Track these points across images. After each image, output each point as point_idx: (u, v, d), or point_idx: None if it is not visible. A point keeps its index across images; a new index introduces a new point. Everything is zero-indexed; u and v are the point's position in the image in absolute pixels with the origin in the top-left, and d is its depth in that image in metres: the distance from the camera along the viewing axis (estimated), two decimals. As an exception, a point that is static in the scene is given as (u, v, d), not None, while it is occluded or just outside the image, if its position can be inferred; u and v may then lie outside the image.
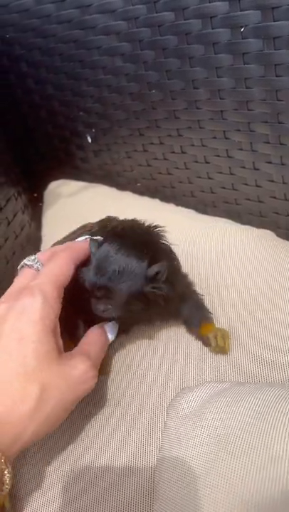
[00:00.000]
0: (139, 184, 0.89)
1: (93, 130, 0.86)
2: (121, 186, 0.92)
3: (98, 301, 0.51)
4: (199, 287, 0.62)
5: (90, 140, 0.89)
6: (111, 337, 0.54)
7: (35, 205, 0.94)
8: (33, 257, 0.52)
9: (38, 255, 0.53)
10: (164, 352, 0.60)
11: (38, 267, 0.51)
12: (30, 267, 0.51)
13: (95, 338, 0.52)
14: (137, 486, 0.47)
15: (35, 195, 0.98)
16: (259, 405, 0.42)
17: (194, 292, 0.61)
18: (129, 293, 0.50)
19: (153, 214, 0.83)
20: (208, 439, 0.41)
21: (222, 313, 0.62)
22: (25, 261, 0.52)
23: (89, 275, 0.50)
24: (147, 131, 0.78)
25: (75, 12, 0.71)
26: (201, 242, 0.72)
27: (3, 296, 0.49)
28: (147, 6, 0.63)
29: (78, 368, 0.45)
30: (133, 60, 0.70)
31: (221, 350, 0.56)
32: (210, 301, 0.62)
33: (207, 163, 0.74)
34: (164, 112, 0.73)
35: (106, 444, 0.51)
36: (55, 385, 0.42)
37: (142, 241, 0.52)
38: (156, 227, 0.57)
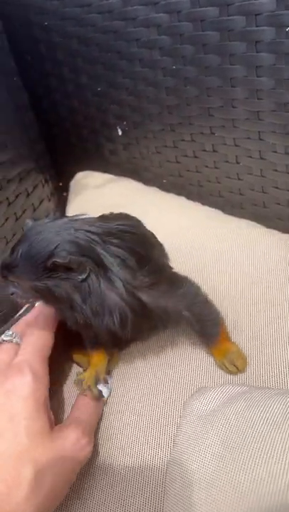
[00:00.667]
0: (165, 180, 0.88)
1: (124, 123, 0.86)
2: (147, 181, 0.91)
3: (5, 281, 0.49)
4: (218, 287, 0.61)
5: (120, 133, 0.88)
6: (104, 396, 0.53)
7: (60, 195, 0.94)
8: (10, 332, 0.53)
9: (13, 328, 0.54)
10: (174, 354, 0.59)
11: (17, 341, 0.52)
12: (9, 342, 0.52)
13: (84, 401, 0.51)
14: (147, 484, 0.46)
15: (61, 184, 0.98)
16: (276, 414, 0.41)
17: (199, 301, 0.55)
18: (30, 279, 0.46)
19: (178, 211, 0.83)
20: (220, 443, 0.40)
21: (247, 318, 0.61)
22: (3, 337, 0.52)
23: None
24: (179, 127, 0.77)
25: (117, 3, 0.71)
26: (225, 241, 0.71)
27: None
28: (191, 0, 0.62)
29: (70, 438, 0.44)
30: (172, 54, 0.69)
31: (236, 372, 0.55)
32: (234, 307, 0.61)
33: (238, 163, 0.73)
34: (198, 108, 0.72)
35: (117, 443, 0.51)
36: (50, 462, 0.41)
37: (77, 234, 0.47)
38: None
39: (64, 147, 1.00)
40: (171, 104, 0.75)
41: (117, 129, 0.88)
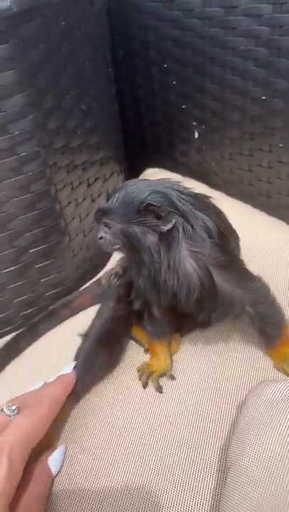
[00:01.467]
0: (234, 188, 0.90)
1: (203, 126, 0.89)
2: (214, 186, 0.94)
3: (98, 226, 0.52)
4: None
5: (196, 135, 0.91)
6: (54, 470, 0.50)
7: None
8: (13, 407, 0.48)
9: (23, 396, 0.51)
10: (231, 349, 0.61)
11: (11, 417, 0.48)
12: (6, 415, 0.48)
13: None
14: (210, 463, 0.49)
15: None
16: None
17: (261, 296, 0.56)
18: (121, 222, 0.49)
19: (243, 218, 0.85)
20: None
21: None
22: (4, 408, 0.48)
23: None
24: (259, 137, 0.80)
25: (220, 11, 0.74)
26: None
27: None
28: (296, 17, 0.65)
29: None
30: (266, 65, 0.72)
31: None
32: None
33: (313, 179, 0.75)
34: (282, 120, 0.74)
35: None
36: None
37: (169, 191, 0.49)
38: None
39: (138, 142, 1.04)
40: (255, 113, 0.78)
41: (194, 132, 0.91)
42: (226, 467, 0.46)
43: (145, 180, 0.53)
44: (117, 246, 0.52)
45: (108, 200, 0.51)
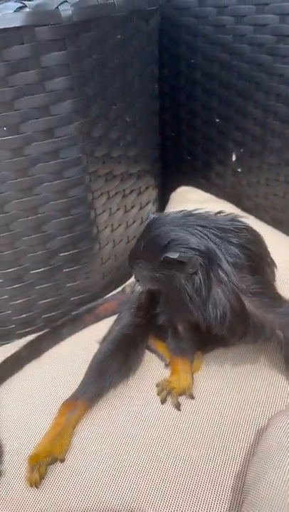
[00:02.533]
0: (266, 213, 0.90)
1: (242, 150, 0.89)
2: (247, 210, 0.94)
3: (133, 270, 0.54)
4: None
5: (234, 158, 0.92)
6: None
7: (161, 202, 0.98)
8: None
9: None
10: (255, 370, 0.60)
11: None
12: None
13: None
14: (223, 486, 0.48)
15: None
16: None
17: None
18: (148, 270, 0.51)
19: (273, 244, 0.84)
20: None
21: None
22: None
23: None
24: (298, 165, 0.80)
25: (271, 39, 0.75)
26: None
27: None
28: None
29: None
30: (312, 95, 0.72)
31: None
32: None
33: None
34: None
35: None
36: None
37: (194, 230, 0.50)
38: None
39: (174, 159, 1.05)
40: (296, 141, 0.78)
41: (232, 154, 0.92)
42: (242, 493, 0.44)
43: (168, 217, 0.53)
44: (151, 287, 0.54)
45: (136, 245, 0.53)
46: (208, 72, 0.88)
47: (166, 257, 0.49)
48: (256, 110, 0.83)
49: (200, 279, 0.50)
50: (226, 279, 0.50)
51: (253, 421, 0.55)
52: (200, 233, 0.50)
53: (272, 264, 0.58)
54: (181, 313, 0.57)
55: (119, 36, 0.63)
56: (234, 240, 0.51)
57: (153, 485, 0.50)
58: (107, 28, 0.60)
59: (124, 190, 0.76)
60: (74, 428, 0.56)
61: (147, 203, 0.86)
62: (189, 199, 0.99)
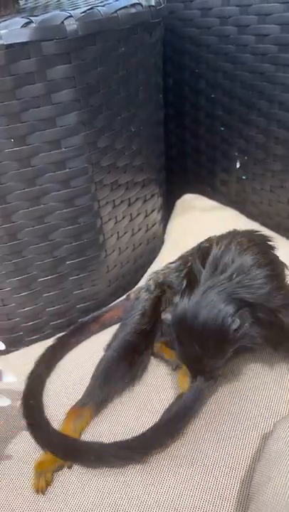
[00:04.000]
0: (271, 220, 0.91)
1: (246, 157, 0.90)
2: (251, 216, 0.94)
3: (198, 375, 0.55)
4: None
5: (238, 165, 0.93)
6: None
7: (166, 210, 0.99)
8: None
9: None
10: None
11: None
12: None
13: None
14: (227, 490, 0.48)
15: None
16: None
17: None
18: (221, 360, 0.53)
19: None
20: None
21: None
22: None
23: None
24: (301, 172, 0.81)
25: (273, 48, 0.76)
26: None
27: None
28: None
29: None
30: (314, 103, 0.73)
31: None
32: None
33: None
34: None
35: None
36: None
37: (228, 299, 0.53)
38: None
39: (179, 167, 1.06)
40: (299, 148, 0.79)
41: (236, 162, 0.93)
42: (248, 499, 0.45)
43: (196, 301, 0.54)
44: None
45: (189, 344, 0.54)
46: (212, 81, 0.89)
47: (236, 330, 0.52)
48: (259, 118, 0.84)
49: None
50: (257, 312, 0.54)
51: (258, 426, 0.55)
52: (233, 292, 0.53)
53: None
54: None
55: (123, 49, 0.64)
56: (258, 273, 0.55)
57: (163, 486, 0.50)
58: (111, 41, 0.62)
59: (129, 198, 0.77)
60: (80, 434, 0.57)
61: (152, 211, 0.87)
62: (194, 206, 1.00)
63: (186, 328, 0.53)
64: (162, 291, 0.68)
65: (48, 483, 0.53)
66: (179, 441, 0.55)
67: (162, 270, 0.72)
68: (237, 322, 0.51)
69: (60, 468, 0.54)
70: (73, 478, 0.53)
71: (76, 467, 0.54)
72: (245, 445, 0.53)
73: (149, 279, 0.71)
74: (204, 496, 0.49)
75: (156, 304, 0.67)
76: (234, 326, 0.51)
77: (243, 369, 0.63)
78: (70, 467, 0.54)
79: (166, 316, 0.60)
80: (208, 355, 0.53)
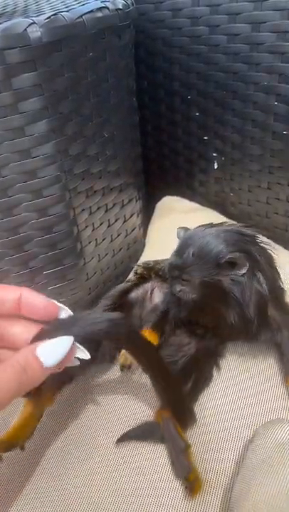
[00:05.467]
0: (251, 219, 0.90)
1: (223, 158, 0.90)
2: (232, 216, 0.94)
3: (174, 281, 0.56)
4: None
5: (215, 166, 0.92)
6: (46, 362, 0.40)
7: (146, 213, 0.99)
8: None
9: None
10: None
11: None
12: None
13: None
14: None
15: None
16: None
17: None
18: (201, 276, 0.54)
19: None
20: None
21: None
22: None
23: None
24: (278, 171, 0.80)
25: (244, 47, 0.75)
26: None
27: None
28: None
29: None
30: (288, 101, 0.73)
31: None
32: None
33: None
34: (302, 156, 0.75)
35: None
36: None
37: (234, 236, 0.56)
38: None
39: (157, 170, 1.06)
40: (275, 148, 0.78)
41: (213, 162, 0.92)
42: (228, 508, 0.44)
43: (207, 229, 0.58)
44: (195, 295, 0.56)
45: (181, 256, 0.55)
46: (186, 82, 0.88)
47: (230, 258, 0.53)
48: (234, 118, 0.83)
49: (245, 280, 0.54)
50: (263, 279, 0.55)
51: (243, 430, 0.55)
52: (242, 238, 0.56)
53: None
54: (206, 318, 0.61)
55: (91, 53, 0.63)
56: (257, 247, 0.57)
57: (143, 498, 0.50)
58: (78, 47, 0.60)
59: (106, 204, 0.76)
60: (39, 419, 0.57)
61: (132, 215, 0.86)
62: (174, 209, 0.99)
63: (185, 242, 0.56)
64: (149, 276, 0.71)
65: None
66: (159, 450, 0.54)
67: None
68: (234, 254, 0.53)
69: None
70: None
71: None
72: (227, 454, 0.53)
73: (136, 269, 0.73)
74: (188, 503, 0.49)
75: (128, 291, 0.70)
76: (230, 255, 0.53)
77: (222, 375, 0.62)
78: (22, 448, 0.54)
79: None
80: (193, 264, 0.54)
